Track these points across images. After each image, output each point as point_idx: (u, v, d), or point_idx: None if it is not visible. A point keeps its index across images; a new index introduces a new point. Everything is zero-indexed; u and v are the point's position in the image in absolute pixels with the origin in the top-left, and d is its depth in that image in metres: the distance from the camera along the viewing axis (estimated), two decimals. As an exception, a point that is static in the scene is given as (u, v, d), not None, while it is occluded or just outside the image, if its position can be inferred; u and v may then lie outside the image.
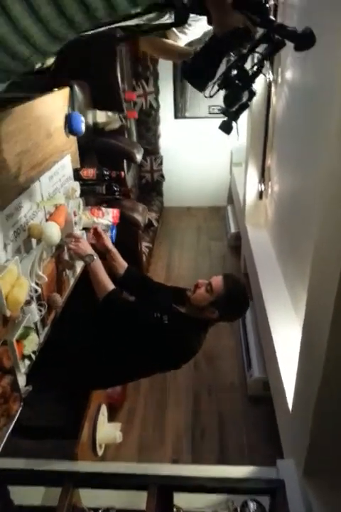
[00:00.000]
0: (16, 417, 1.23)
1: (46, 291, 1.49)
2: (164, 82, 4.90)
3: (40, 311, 1.41)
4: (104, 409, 2.32)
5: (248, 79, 1.16)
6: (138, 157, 3.09)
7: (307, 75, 2.47)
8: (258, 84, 3.33)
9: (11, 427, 1.21)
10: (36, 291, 1.37)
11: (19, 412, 1.25)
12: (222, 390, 2.91)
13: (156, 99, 4.92)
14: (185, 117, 5.18)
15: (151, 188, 5.23)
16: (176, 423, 2.66)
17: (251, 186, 3.69)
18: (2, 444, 1.14)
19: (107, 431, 2.28)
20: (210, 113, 1.30)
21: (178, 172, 5.36)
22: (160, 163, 5.17)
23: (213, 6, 1.06)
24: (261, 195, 3.61)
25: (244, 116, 3.84)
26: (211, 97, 1.19)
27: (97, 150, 2.66)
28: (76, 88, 2.47)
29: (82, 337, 1.69)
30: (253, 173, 3.63)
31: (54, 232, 1.43)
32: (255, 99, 3.39)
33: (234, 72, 1.15)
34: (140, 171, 5.08)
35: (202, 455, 2.42)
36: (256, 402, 2.73)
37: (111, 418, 2.42)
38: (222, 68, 1.17)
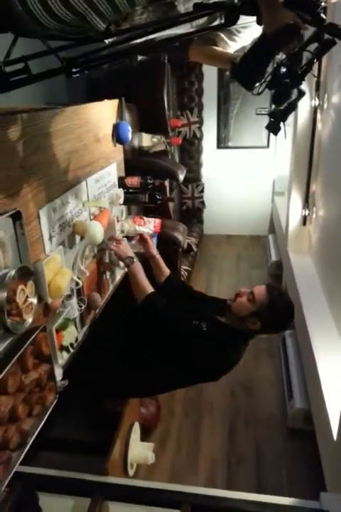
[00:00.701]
0: (50, 409, 1.22)
1: (86, 290, 1.51)
2: (208, 112, 5.02)
3: (80, 306, 1.42)
4: (137, 427, 2.25)
5: (297, 76, 1.15)
6: (181, 176, 3.14)
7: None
8: (304, 112, 3.32)
9: (44, 418, 1.19)
10: (77, 284, 1.38)
11: (54, 404, 1.24)
12: (259, 420, 2.76)
13: (200, 129, 5.03)
14: (227, 147, 5.23)
15: (192, 214, 5.26)
16: (211, 450, 2.53)
17: (294, 212, 3.61)
18: (36, 433, 1.12)
19: (140, 450, 2.20)
20: (257, 114, 1.27)
21: (219, 200, 5.37)
22: (202, 191, 5.21)
23: (264, 4, 1.08)
24: (304, 220, 3.52)
25: (288, 145, 3.82)
26: (259, 94, 1.20)
27: (142, 168, 2.73)
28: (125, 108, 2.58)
29: (113, 338, 1.67)
30: (296, 199, 3.56)
31: (97, 231, 1.45)
32: (299, 127, 3.38)
33: (283, 70, 1.15)
34: (181, 197, 5.14)
35: (237, 484, 2.27)
36: (296, 435, 2.56)
37: (144, 439, 2.35)
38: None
